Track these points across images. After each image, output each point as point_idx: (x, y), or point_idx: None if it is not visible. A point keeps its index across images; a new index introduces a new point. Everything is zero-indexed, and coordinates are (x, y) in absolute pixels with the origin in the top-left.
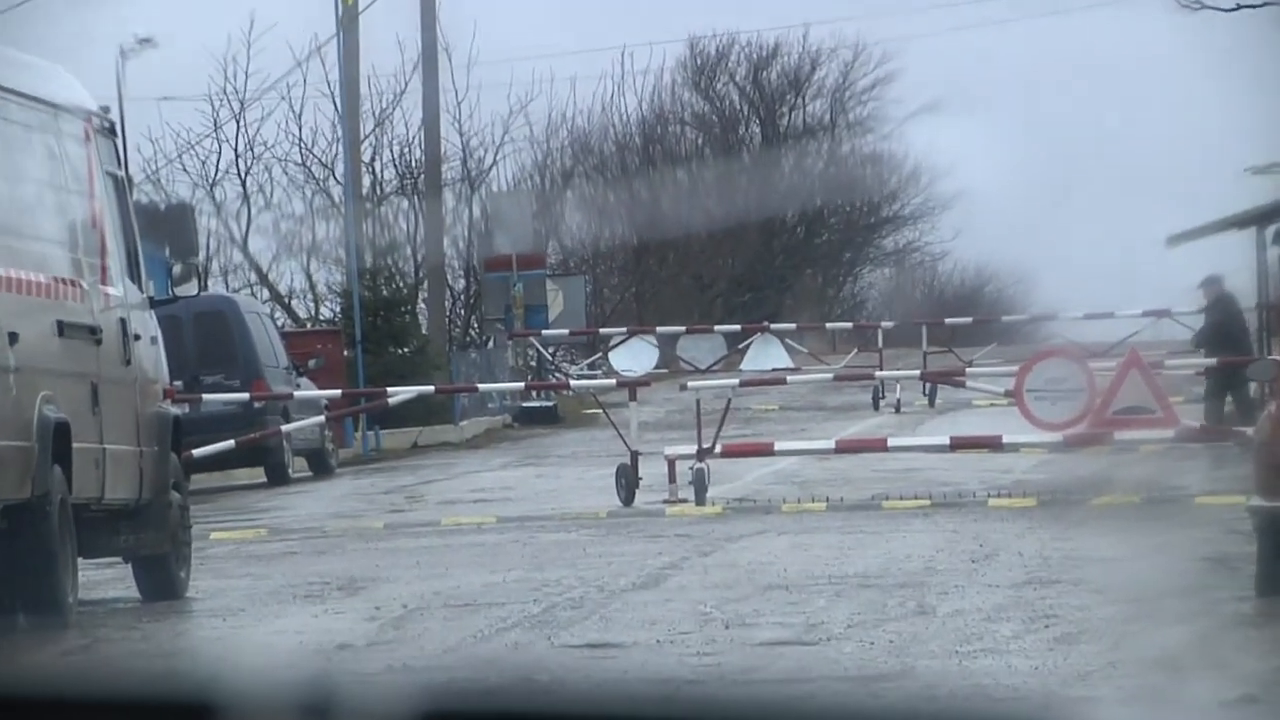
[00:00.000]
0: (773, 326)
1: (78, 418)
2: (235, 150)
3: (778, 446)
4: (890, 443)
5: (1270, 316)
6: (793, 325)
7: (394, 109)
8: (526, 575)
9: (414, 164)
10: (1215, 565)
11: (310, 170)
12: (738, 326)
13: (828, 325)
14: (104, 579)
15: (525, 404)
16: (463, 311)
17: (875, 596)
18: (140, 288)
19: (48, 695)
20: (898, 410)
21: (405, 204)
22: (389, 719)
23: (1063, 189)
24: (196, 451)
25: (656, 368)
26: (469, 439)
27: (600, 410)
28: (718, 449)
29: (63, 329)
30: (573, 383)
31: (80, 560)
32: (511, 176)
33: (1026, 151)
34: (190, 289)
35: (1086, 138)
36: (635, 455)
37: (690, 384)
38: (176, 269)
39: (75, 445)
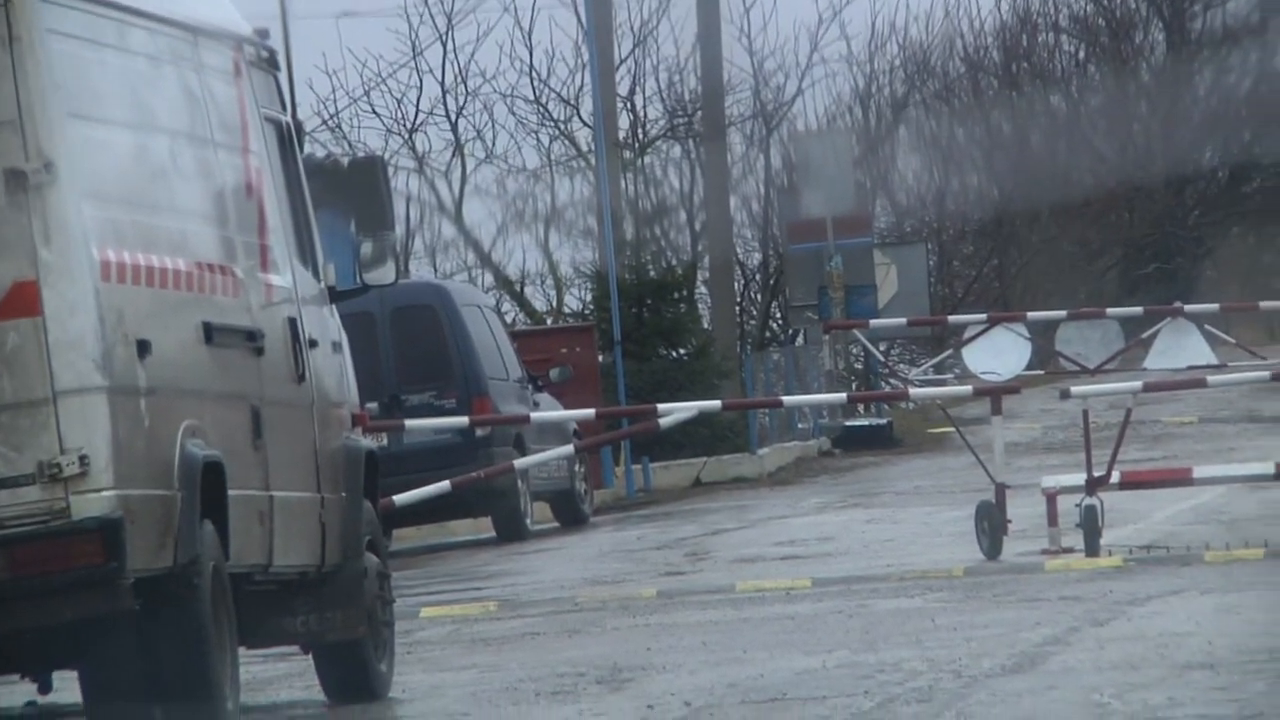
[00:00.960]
0: (1188, 309)
1: (234, 455)
2: (442, 84)
3: (1198, 473)
4: None
5: None
6: (1215, 306)
7: (660, 21)
8: (855, 658)
9: (689, 97)
10: None
11: (546, 109)
12: (1139, 309)
13: (1262, 305)
14: (276, 675)
15: (849, 423)
16: (759, 297)
17: None
18: (317, 275)
19: None
20: None
21: (678, 152)
22: None
23: None
24: (399, 498)
25: (1028, 368)
26: (772, 472)
27: (952, 429)
28: (1115, 478)
29: (210, 334)
30: (913, 391)
31: (243, 650)
32: (823, 111)
33: None
34: (386, 275)
35: None
36: (1002, 489)
37: (1075, 390)
38: (366, 248)
39: (231, 493)
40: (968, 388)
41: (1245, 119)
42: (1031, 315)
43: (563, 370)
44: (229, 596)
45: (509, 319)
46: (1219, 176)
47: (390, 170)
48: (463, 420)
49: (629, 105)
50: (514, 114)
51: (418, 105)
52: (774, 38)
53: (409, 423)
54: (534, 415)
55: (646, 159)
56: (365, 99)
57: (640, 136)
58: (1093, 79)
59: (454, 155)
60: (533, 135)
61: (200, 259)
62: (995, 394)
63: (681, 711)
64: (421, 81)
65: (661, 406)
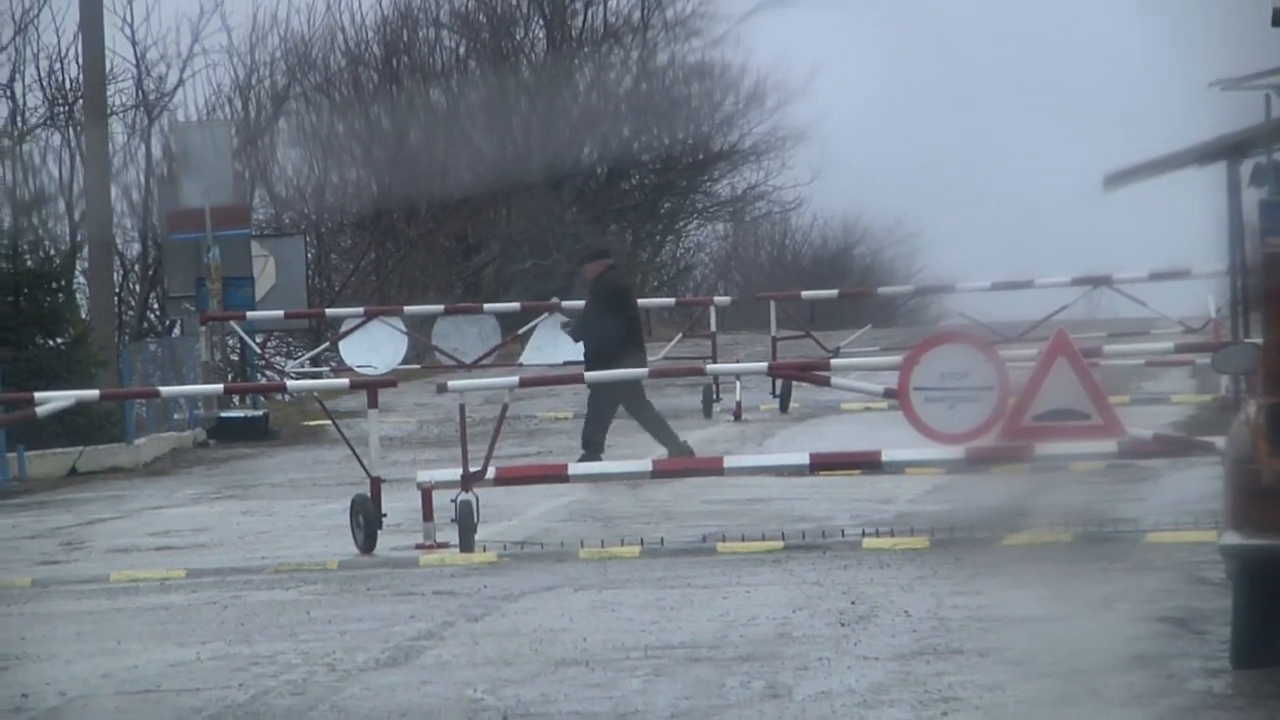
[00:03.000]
0: (565, 304)
1: None
2: None
3: (573, 470)
4: (728, 463)
5: (1243, 285)
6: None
7: (40, 9)
8: (229, 650)
9: (69, 85)
10: (1175, 627)
11: None
12: (517, 305)
13: (640, 302)
14: None
15: (225, 414)
16: (138, 287)
17: (709, 674)
18: None
19: None
20: (737, 418)
21: (58, 140)
22: None
23: (960, 112)
24: None
25: (405, 362)
26: (148, 463)
27: (328, 421)
28: (490, 473)
29: None
30: (290, 383)
31: None
32: (204, 101)
33: (909, 60)
34: None
35: (993, 40)
36: (377, 483)
37: (452, 384)
38: None
39: None
40: (344, 380)
41: (626, 115)
42: (409, 309)
43: None
44: None
45: None
46: (598, 173)
47: None
48: None
49: (9, 92)
50: None
51: None
52: (157, 27)
53: None
54: None
55: (25, 147)
56: None
57: (20, 124)
58: (474, 75)
59: None
60: None
61: None
62: (371, 387)
63: (56, 701)
64: None
65: (39, 395)
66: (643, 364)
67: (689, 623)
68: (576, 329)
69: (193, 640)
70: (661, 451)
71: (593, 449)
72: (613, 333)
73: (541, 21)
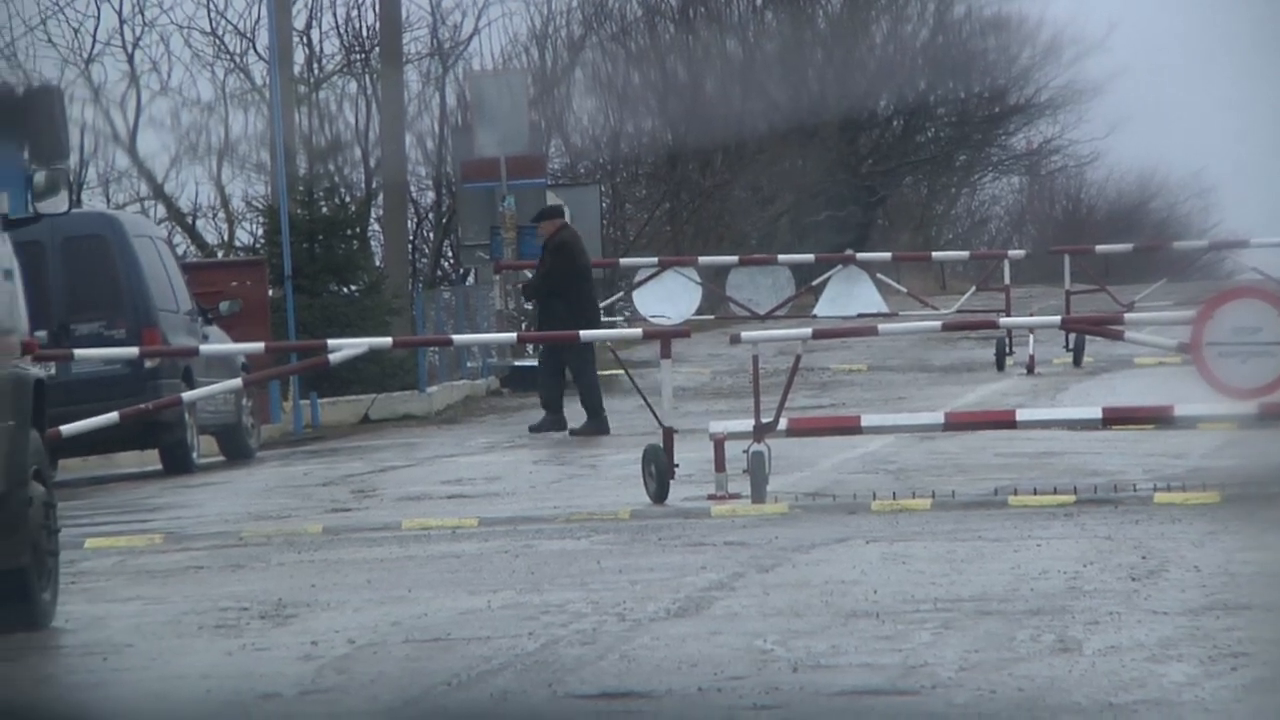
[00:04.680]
0: (860, 256)
1: None
2: (120, 15)
3: (866, 422)
4: (1020, 416)
5: None
6: (887, 255)
7: None
8: (519, 599)
9: (365, 33)
10: None
11: (222, 41)
12: (811, 257)
13: (935, 255)
14: None
15: (518, 363)
16: (431, 236)
17: (999, 627)
18: None
19: None
20: (1030, 371)
21: (353, 88)
22: None
23: (1257, 65)
24: (65, 428)
25: (698, 313)
26: (440, 411)
27: (621, 371)
28: (783, 425)
29: None
30: (583, 333)
31: None
32: (500, 50)
33: (1209, 12)
34: (58, 205)
35: None
36: (670, 433)
37: (745, 335)
38: (39, 177)
39: None
40: (638, 330)
41: (921, 68)
42: (703, 260)
43: (232, 304)
44: None
45: (180, 252)
46: (894, 125)
47: (66, 100)
48: (132, 351)
49: (305, 39)
50: (190, 46)
51: (94, 35)
52: None
53: (78, 352)
54: (203, 348)
55: (322, 94)
56: (42, 28)
57: (316, 71)
58: (769, 26)
59: (129, 86)
60: (208, 68)
61: None
62: (665, 337)
63: (345, 649)
64: (99, 11)
65: (331, 342)
66: (595, 324)
67: (979, 576)
68: (529, 287)
69: (483, 589)
70: (957, 405)
71: (553, 409)
72: (565, 292)
73: None
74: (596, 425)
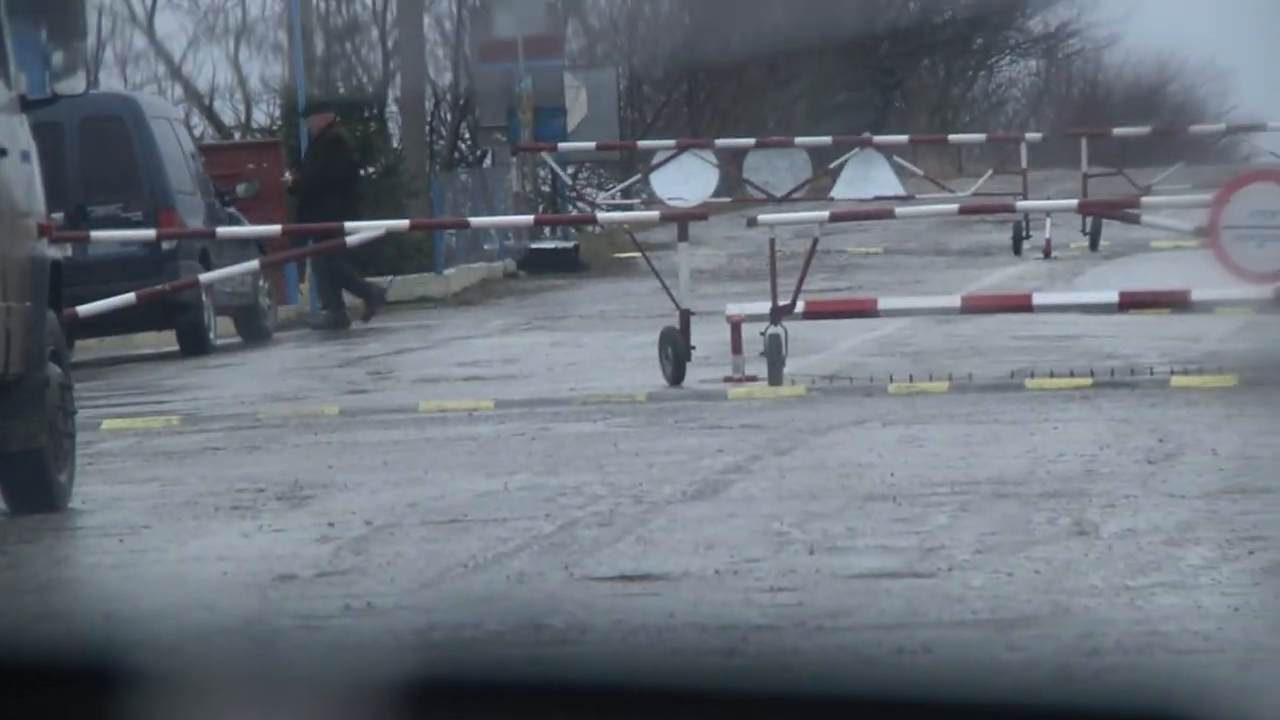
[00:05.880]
0: (877, 139)
1: None
2: None
3: (882, 304)
4: (1037, 300)
5: None
6: (904, 137)
7: None
8: (536, 481)
9: None
10: None
11: None
12: (828, 139)
13: (951, 138)
14: None
15: (535, 245)
16: (449, 117)
17: (1015, 510)
18: (8, 83)
19: None
20: (1047, 255)
21: None
22: (349, 681)
23: None
24: (83, 309)
25: (715, 195)
26: (457, 293)
27: (639, 254)
28: (799, 307)
29: None
30: (600, 215)
31: None
32: None
33: None
34: (76, 85)
35: None
36: (686, 315)
37: (762, 218)
38: (57, 57)
39: None
40: (655, 213)
41: None
42: (720, 142)
43: (249, 186)
44: None
45: (198, 133)
46: (910, 7)
47: None
48: (149, 233)
49: None
50: None
51: None
52: None
53: (95, 234)
54: (219, 230)
55: None
56: None
57: None
58: None
59: None
60: None
61: None
62: (682, 220)
63: (362, 530)
64: None
65: (349, 224)
66: (358, 217)
67: (996, 459)
68: (301, 181)
69: (500, 471)
70: (974, 288)
71: (335, 307)
72: (332, 184)
73: None
74: (337, 318)
